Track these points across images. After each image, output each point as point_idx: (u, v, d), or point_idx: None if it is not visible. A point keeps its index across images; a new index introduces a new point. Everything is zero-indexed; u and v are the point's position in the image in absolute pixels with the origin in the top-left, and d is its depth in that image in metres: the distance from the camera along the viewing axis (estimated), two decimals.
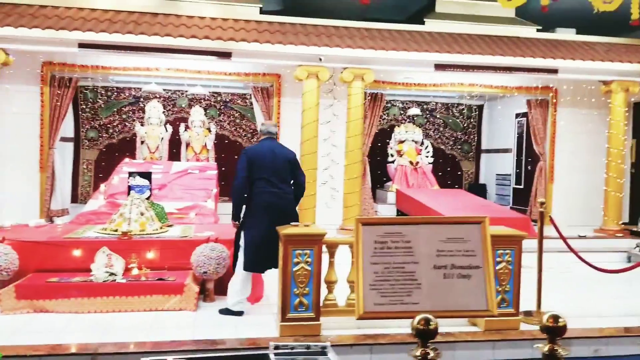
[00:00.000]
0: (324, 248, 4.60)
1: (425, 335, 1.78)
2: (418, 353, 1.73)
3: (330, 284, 4.70)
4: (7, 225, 6.56)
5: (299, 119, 8.62)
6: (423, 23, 9.79)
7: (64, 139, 10.12)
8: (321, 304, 4.53)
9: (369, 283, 2.15)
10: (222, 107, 12.07)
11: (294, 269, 4.43)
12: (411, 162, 11.14)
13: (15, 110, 8.41)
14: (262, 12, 9.25)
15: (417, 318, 1.79)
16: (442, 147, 12.76)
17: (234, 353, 3.65)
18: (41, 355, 3.81)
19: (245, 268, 4.93)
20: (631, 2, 5.62)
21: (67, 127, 10.47)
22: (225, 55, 8.10)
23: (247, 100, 11.83)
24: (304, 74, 8.33)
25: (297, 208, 5.27)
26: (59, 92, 8.81)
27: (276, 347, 2.29)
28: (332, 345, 4.14)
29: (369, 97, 9.74)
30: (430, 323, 1.73)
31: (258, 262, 4.93)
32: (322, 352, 2.31)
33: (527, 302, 4.98)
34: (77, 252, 5.43)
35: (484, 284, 2.11)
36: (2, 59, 7.58)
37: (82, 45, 7.70)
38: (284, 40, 8.17)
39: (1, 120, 7.77)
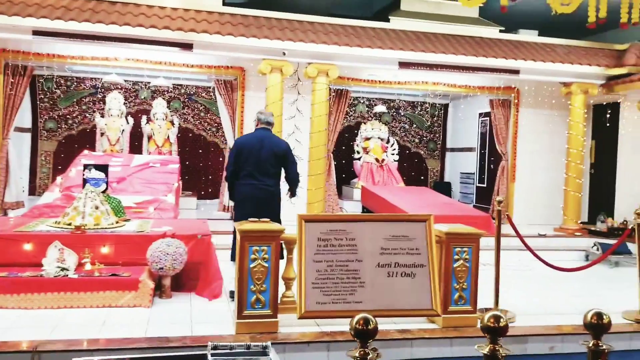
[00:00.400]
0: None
1: (364, 335, 1.74)
2: (357, 354, 1.70)
3: (288, 281, 4.64)
4: None
5: None
6: (388, 20, 9.82)
7: (20, 129, 9.78)
8: (279, 301, 4.48)
9: (311, 281, 2.11)
10: (186, 99, 11.88)
11: (251, 265, 4.35)
12: (377, 160, 11.18)
13: None
14: (224, 3, 9.12)
15: (356, 318, 1.75)
16: (408, 144, 12.86)
17: (172, 353, 3.55)
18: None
19: (232, 258, 4.92)
20: (588, 5, 5.72)
21: (25, 118, 10.13)
22: (187, 46, 7.95)
23: (211, 94, 11.67)
24: (267, 68, 8.25)
25: (291, 198, 5.88)
26: (12, 80, 8.50)
27: (214, 347, 2.23)
28: (288, 343, 4.12)
29: (334, 94, 9.71)
30: (370, 323, 1.70)
31: None
32: (263, 352, 2.25)
33: (486, 299, 5.04)
34: (28, 246, 5.24)
35: (429, 283, 2.09)
36: None
37: (36, 33, 7.44)
38: (247, 32, 8.06)
39: None
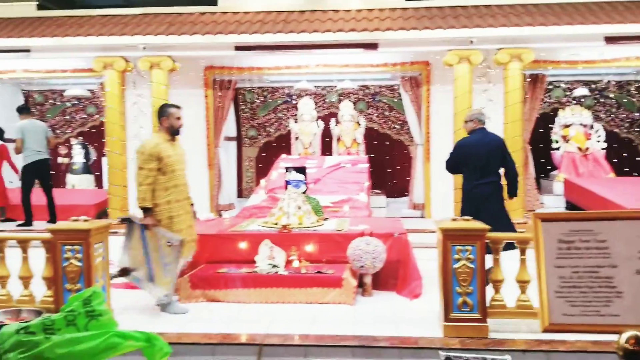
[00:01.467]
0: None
1: (635, 357, 1.47)
2: None
3: (497, 283, 4.36)
4: None
5: (450, 107, 8.24)
6: None
7: (227, 138, 10.85)
8: (487, 304, 4.23)
9: (554, 290, 1.86)
10: (371, 99, 12.04)
11: (455, 266, 4.18)
12: (580, 148, 10.11)
13: (183, 113, 9.11)
14: None
15: (625, 336, 1.48)
16: (616, 130, 11.41)
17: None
18: (214, 343, 4.04)
19: None
20: None
21: (230, 127, 11.22)
22: (372, 46, 8.01)
23: (395, 92, 11.65)
24: (454, 59, 7.93)
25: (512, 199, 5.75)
26: (220, 94, 9.42)
27: (447, 358, 2.10)
28: (502, 350, 3.84)
29: (529, 79, 8.99)
30: None
31: None
32: None
33: None
34: (243, 245, 5.72)
35: None
36: (169, 66, 8.27)
37: (238, 48, 8.12)
38: (431, 25, 7.84)
39: None
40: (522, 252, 4.35)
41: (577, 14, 8.09)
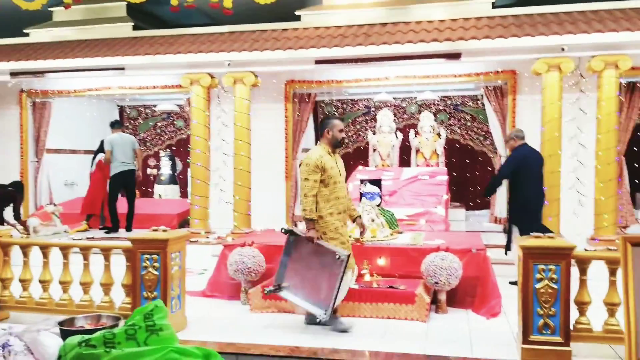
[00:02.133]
0: (573, 262, 3.99)
1: None
2: None
3: (582, 305, 4.04)
4: (258, 230, 7.32)
5: (538, 117, 7.81)
6: None
7: (306, 150, 10.97)
8: (571, 328, 3.92)
9: None
10: (452, 110, 11.74)
11: (537, 286, 3.91)
12: None
13: (263, 126, 9.37)
14: (494, 6, 8.69)
15: None
16: None
17: None
18: (281, 356, 4.03)
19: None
20: None
21: (309, 139, 11.35)
22: (454, 56, 7.77)
23: (478, 102, 11.29)
24: (543, 67, 7.51)
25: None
26: (299, 107, 9.55)
27: None
28: None
29: (625, 87, 8.35)
30: None
31: None
32: None
33: None
34: None
35: None
36: (252, 81, 8.49)
37: (318, 62, 8.18)
38: (519, 32, 7.49)
39: (253, 135, 8.68)
40: (612, 272, 4.00)
41: None
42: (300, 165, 4.67)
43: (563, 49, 7.40)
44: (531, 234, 4.22)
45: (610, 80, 7.37)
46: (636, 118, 8.66)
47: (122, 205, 9.03)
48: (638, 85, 8.46)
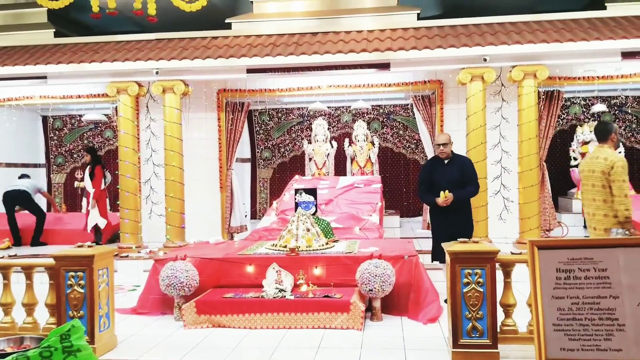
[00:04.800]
0: (498, 266, 4.16)
1: None
2: None
3: (508, 308, 4.21)
4: (191, 243, 7.15)
5: (463, 125, 8.12)
6: (604, 8, 8.64)
7: (241, 160, 10.86)
8: (498, 330, 4.07)
9: (552, 322, 1.74)
10: (385, 119, 11.99)
11: (464, 290, 4.04)
12: None
13: (196, 135, 9.20)
14: (419, 18, 8.96)
15: None
16: (637, 146, 11.14)
17: None
18: None
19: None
20: None
21: (245, 149, 11.25)
22: (384, 66, 7.95)
23: (409, 111, 11.59)
24: (467, 77, 7.83)
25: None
26: (233, 116, 9.45)
27: None
28: None
29: (544, 96, 8.83)
30: None
31: None
32: None
33: None
34: (250, 269, 5.65)
35: None
36: (182, 90, 8.33)
37: (250, 71, 8.14)
38: (444, 43, 7.77)
39: (185, 145, 8.51)
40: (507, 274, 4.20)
41: (593, 29, 7.93)
42: (612, 168, 4.49)
43: (485, 59, 7.74)
44: (458, 240, 4.35)
45: (529, 90, 7.77)
46: (555, 125, 9.16)
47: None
48: (556, 94, 8.96)
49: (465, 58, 7.79)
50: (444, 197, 5.75)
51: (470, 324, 4.02)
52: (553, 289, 1.85)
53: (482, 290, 4.03)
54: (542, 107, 8.72)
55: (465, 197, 5.93)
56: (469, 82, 7.86)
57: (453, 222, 5.82)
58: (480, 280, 4.04)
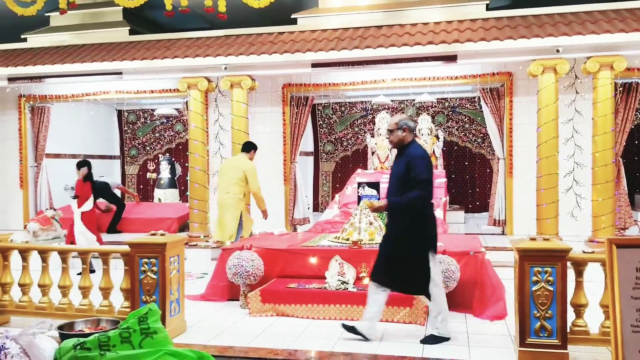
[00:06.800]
0: (569, 265, 4.02)
1: None
2: None
3: (579, 308, 4.06)
4: (256, 233, 7.33)
5: (534, 119, 7.86)
6: None
7: (304, 153, 10.98)
8: (568, 330, 3.94)
9: (631, 324, 1.67)
10: (450, 112, 11.77)
11: (533, 288, 3.93)
12: None
13: (261, 129, 9.39)
14: (489, 8, 8.72)
15: None
16: None
17: None
18: (279, 359, 4.05)
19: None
20: None
21: (308, 142, 11.37)
22: (450, 58, 7.80)
23: (475, 104, 11.32)
24: (538, 69, 7.55)
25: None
26: (297, 110, 9.57)
27: None
28: None
29: (621, 88, 8.38)
30: None
31: None
32: None
33: None
34: (313, 260, 5.74)
35: None
36: (249, 84, 8.52)
37: (314, 65, 8.21)
38: (514, 34, 7.52)
39: (251, 139, 8.64)
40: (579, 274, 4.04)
41: None
42: None
43: (558, 51, 7.44)
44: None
45: (605, 82, 7.40)
46: (633, 119, 8.68)
47: None
48: (634, 86, 8.49)
49: (537, 49, 7.51)
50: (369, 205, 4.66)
51: (539, 323, 3.91)
52: (632, 289, 1.78)
53: (552, 289, 3.91)
54: (619, 100, 8.28)
55: (401, 206, 4.40)
56: (540, 74, 7.58)
57: (389, 238, 4.57)
58: (551, 278, 3.92)
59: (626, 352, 1.74)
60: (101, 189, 9.47)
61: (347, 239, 5.97)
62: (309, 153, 11.85)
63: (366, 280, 5.38)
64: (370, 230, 5.97)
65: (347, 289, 5.21)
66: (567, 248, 3.97)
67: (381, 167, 10.33)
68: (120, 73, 8.90)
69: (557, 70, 7.53)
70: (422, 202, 4.41)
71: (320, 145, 12.37)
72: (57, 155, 10.99)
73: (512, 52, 7.63)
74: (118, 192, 10.80)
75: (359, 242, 5.79)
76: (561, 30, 7.46)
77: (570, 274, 4.02)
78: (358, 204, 6.82)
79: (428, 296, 4.46)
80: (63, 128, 11.00)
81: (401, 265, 4.41)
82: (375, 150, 10.56)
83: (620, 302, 1.78)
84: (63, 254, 5.07)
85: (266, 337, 4.60)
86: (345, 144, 12.27)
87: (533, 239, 4.15)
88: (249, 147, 7.26)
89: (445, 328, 4.47)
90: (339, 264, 5.49)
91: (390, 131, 4.58)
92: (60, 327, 3.81)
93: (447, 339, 4.44)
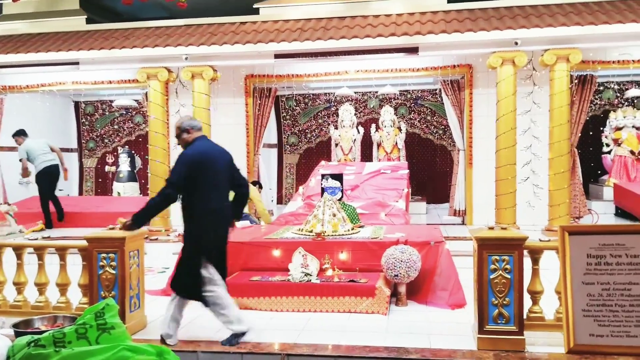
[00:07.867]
0: (526, 253, 4.12)
1: None
2: None
3: (535, 295, 4.17)
4: None
5: (493, 110, 8.01)
6: None
7: (268, 145, 10.92)
8: (524, 317, 4.05)
9: (582, 308, 1.73)
10: (412, 104, 11.89)
11: (491, 276, 4.02)
12: (632, 152, 9.63)
13: (223, 121, 9.28)
14: (450, 1, 8.82)
15: None
16: None
17: None
18: (243, 352, 4.03)
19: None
20: None
21: (272, 134, 11.31)
22: (412, 50, 7.87)
23: (437, 96, 11.47)
24: (498, 61, 7.70)
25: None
26: (260, 102, 9.50)
27: None
28: None
29: (576, 80, 8.63)
30: None
31: None
32: None
33: None
34: (276, 252, 5.72)
35: None
36: (211, 75, 8.40)
37: (277, 56, 8.16)
38: (475, 27, 7.64)
39: (213, 131, 8.58)
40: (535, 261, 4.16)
41: (629, 11, 7.69)
42: None
43: (516, 43, 7.59)
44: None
45: (561, 74, 7.60)
46: (587, 110, 8.95)
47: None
48: (589, 78, 8.75)
49: (496, 42, 7.66)
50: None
51: (497, 310, 4.00)
52: (583, 275, 1.83)
53: (509, 277, 4.00)
54: (575, 92, 8.53)
55: (143, 214, 4.37)
56: (499, 66, 7.73)
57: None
58: (508, 267, 4.01)
59: (577, 335, 1.80)
60: (57, 173, 9.09)
61: (311, 231, 5.98)
62: (273, 145, 11.79)
63: (329, 272, 5.41)
64: (333, 222, 5.99)
65: (311, 280, 5.22)
66: (524, 237, 4.06)
67: (345, 159, 10.37)
68: (77, 63, 8.64)
69: (515, 62, 7.70)
70: (159, 202, 4.33)
71: (284, 137, 12.32)
72: (11, 149, 10.61)
73: (473, 44, 7.75)
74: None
75: (323, 234, 5.80)
76: (520, 23, 7.61)
77: (527, 262, 4.12)
78: (322, 195, 6.84)
79: (204, 302, 4.25)
80: (17, 120, 10.61)
81: (178, 266, 4.45)
82: (339, 142, 10.58)
83: (572, 287, 1.83)
84: (18, 250, 4.91)
85: (227, 330, 4.55)
86: (309, 135, 12.26)
87: (491, 228, 4.23)
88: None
89: (239, 322, 4.23)
90: (303, 255, 5.49)
91: (177, 136, 4.48)
92: (15, 325, 3.71)
93: (246, 332, 4.24)
